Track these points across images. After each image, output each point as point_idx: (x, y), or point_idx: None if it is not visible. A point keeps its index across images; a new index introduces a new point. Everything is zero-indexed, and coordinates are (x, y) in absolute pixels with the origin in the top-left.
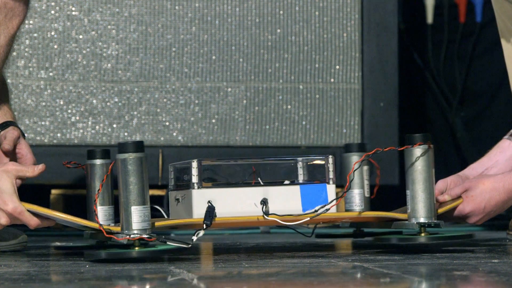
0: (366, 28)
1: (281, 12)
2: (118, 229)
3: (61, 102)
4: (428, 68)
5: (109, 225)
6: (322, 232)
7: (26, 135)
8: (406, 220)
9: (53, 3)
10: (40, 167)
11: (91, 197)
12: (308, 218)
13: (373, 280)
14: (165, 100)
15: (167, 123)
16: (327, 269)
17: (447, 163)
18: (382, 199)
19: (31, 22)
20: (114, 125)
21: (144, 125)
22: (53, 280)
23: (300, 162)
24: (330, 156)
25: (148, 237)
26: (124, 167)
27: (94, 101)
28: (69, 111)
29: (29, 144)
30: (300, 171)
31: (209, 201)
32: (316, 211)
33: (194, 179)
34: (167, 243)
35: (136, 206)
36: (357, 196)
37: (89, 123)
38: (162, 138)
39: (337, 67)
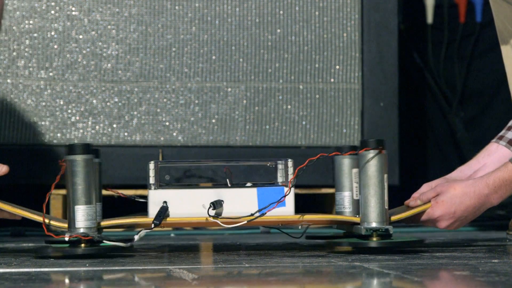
0: (366, 28)
1: (281, 12)
2: (64, 225)
3: (61, 102)
4: (428, 68)
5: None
6: (312, 233)
7: (26, 135)
8: (358, 223)
9: (53, 3)
10: (4, 170)
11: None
12: (245, 222)
13: (373, 280)
14: (165, 100)
15: (167, 123)
16: (327, 269)
17: (447, 163)
18: None
19: (31, 22)
20: (114, 125)
21: (144, 125)
22: (53, 280)
23: (273, 164)
24: (290, 160)
25: (86, 236)
26: (71, 168)
27: (94, 101)
28: (69, 111)
29: (29, 144)
30: (262, 173)
31: (164, 202)
32: (252, 214)
33: (151, 180)
34: (104, 241)
35: (80, 205)
36: (346, 198)
37: (89, 123)
38: (162, 138)
39: (337, 67)
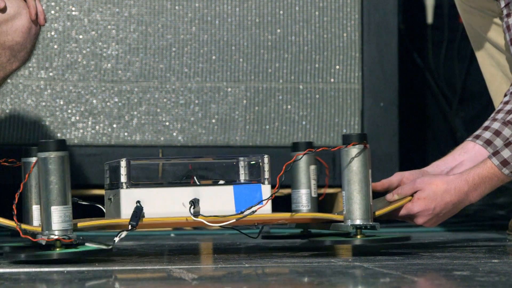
0: (366, 28)
1: (281, 12)
2: (38, 229)
3: (61, 102)
4: (428, 68)
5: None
6: (269, 233)
7: (26, 135)
8: (342, 221)
9: (53, 3)
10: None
11: (27, 196)
12: (234, 220)
13: (373, 280)
14: (165, 100)
15: (167, 123)
16: (327, 269)
17: None
18: None
19: None
20: (114, 125)
21: (144, 125)
22: (53, 280)
23: (237, 162)
24: (266, 156)
25: (66, 238)
26: (45, 166)
27: (94, 101)
28: (69, 111)
29: (29, 144)
30: (235, 171)
31: (138, 201)
32: (242, 212)
33: (123, 178)
34: (86, 244)
35: (56, 206)
36: (303, 196)
37: (89, 123)
38: (162, 138)
39: (337, 67)
